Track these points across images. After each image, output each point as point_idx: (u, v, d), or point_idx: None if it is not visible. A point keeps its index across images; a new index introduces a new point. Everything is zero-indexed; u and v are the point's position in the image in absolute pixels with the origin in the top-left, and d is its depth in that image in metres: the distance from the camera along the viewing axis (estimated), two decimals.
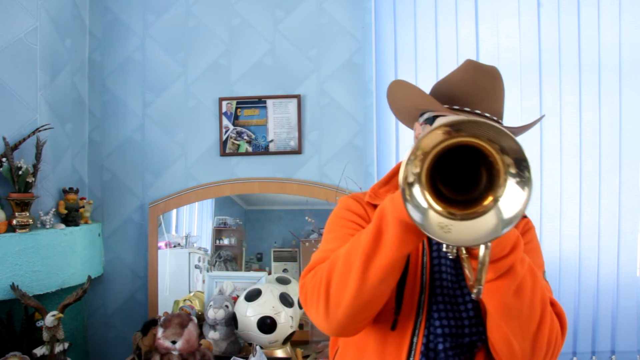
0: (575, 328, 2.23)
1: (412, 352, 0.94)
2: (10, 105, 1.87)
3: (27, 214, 1.83)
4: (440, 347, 0.93)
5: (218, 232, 2.32)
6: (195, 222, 2.35)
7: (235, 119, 2.31)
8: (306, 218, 2.22)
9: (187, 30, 2.35)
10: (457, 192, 0.75)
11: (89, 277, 1.99)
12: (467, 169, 0.74)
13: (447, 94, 1.05)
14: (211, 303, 1.97)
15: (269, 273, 2.27)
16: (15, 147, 1.83)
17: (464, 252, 0.82)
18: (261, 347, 1.80)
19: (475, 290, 0.75)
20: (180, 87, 2.35)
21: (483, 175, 0.74)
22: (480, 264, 0.74)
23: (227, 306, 1.97)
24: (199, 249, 2.33)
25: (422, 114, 1.11)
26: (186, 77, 2.35)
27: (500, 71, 1.10)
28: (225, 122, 2.32)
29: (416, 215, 0.70)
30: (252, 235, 2.32)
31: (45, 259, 1.85)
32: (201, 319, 2.07)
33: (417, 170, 0.70)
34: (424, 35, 2.29)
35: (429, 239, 1.01)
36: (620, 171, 2.23)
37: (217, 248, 2.32)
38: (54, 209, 1.98)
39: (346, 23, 2.31)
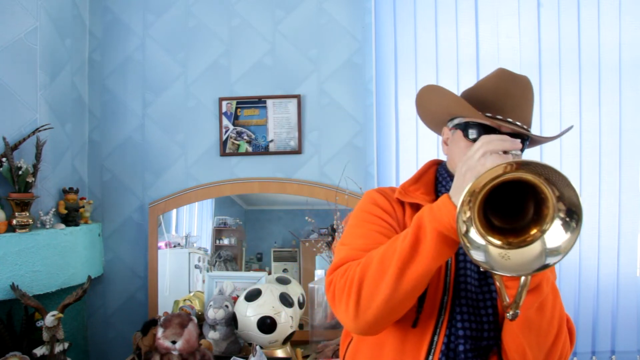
0: (576, 328, 2.22)
1: (432, 350, 0.95)
2: (10, 105, 1.87)
3: (27, 214, 1.83)
4: (461, 348, 0.95)
5: (218, 232, 2.32)
6: (195, 222, 2.35)
7: (235, 119, 2.31)
8: (306, 218, 2.22)
9: (187, 30, 2.35)
10: (505, 219, 0.78)
11: (89, 277, 1.99)
12: (515, 198, 0.77)
13: (480, 100, 1.05)
14: (211, 303, 1.97)
15: (269, 273, 2.27)
16: (15, 147, 1.83)
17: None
18: (261, 347, 1.80)
19: (511, 312, 0.80)
20: (180, 87, 2.35)
21: (531, 208, 0.76)
22: (521, 287, 0.78)
23: (227, 306, 1.97)
24: (199, 249, 2.33)
25: (451, 119, 1.11)
26: (186, 77, 2.35)
27: (530, 81, 1.11)
28: (225, 122, 2.32)
29: (479, 256, 0.74)
30: (252, 235, 2.32)
31: (45, 259, 1.85)
32: (201, 319, 2.07)
33: (468, 215, 0.73)
34: (424, 35, 2.29)
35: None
36: (620, 171, 2.22)
37: (217, 248, 2.32)
38: (54, 209, 1.99)
39: (346, 23, 2.31)
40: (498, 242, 0.75)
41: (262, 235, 2.32)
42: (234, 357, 1.83)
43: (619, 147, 2.23)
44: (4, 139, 1.82)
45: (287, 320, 1.90)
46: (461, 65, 2.27)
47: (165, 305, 2.23)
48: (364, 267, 0.90)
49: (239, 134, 2.31)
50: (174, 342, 1.69)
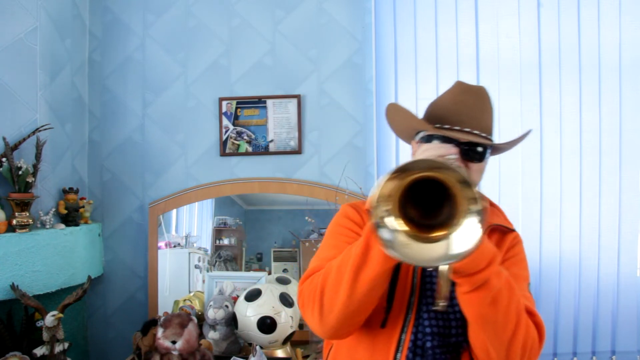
0: (576, 328, 2.23)
1: (400, 348, 1.01)
2: (10, 105, 1.87)
3: (27, 214, 1.83)
4: (429, 344, 1.00)
5: (218, 232, 2.32)
6: (195, 222, 2.35)
7: (235, 119, 2.31)
8: (306, 218, 2.22)
9: (187, 30, 2.35)
10: (427, 215, 0.83)
11: (89, 277, 1.99)
12: (438, 196, 0.82)
13: (439, 114, 1.14)
14: (211, 303, 1.97)
15: (269, 273, 2.27)
16: (15, 147, 1.83)
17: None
18: (261, 347, 1.80)
19: (439, 303, 0.86)
20: (180, 87, 2.35)
21: (447, 209, 0.81)
22: (442, 279, 0.85)
23: (227, 306, 1.97)
24: (199, 249, 2.33)
25: (417, 133, 1.19)
26: (186, 77, 2.35)
27: (486, 90, 1.19)
28: (225, 122, 2.32)
29: (387, 235, 0.80)
30: (252, 235, 2.32)
31: (45, 259, 1.85)
32: (201, 319, 2.07)
33: (388, 207, 0.80)
34: (424, 35, 2.29)
35: None
36: (620, 171, 2.22)
37: (217, 248, 2.32)
38: (54, 209, 1.99)
39: (346, 23, 2.31)
40: (406, 229, 0.80)
41: (262, 235, 2.32)
42: (234, 357, 1.83)
43: (619, 147, 2.23)
44: (4, 139, 1.82)
45: (287, 320, 1.90)
46: (461, 65, 2.27)
47: (165, 305, 2.23)
48: (324, 276, 0.98)
49: (239, 134, 2.31)
50: (174, 342, 1.69)
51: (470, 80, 2.29)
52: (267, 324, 1.87)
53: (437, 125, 1.12)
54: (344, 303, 0.92)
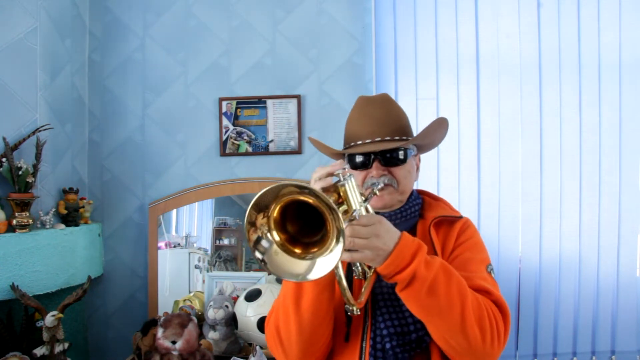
0: (575, 328, 2.23)
1: (362, 355, 1.03)
2: (10, 105, 1.87)
3: (27, 214, 1.83)
4: (388, 345, 1.02)
5: (218, 232, 2.32)
6: (195, 222, 2.35)
7: (235, 119, 2.31)
8: None
9: (187, 30, 2.35)
10: (305, 233, 0.85)
11: (89, 277, 1.99)
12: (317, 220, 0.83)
13: (351, 132, 1.20)
14: (211, 303, 1.97)
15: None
16: (15, 147, 1.83)
17: (369, 272, 0.98)
18: (261, 347, 1.80)
19: (352, 309, 0.90)
20: (180, 87, 2.35)
21: (320, 232, 0.82)
22: (340, 285, 0.89)
23: (227, 306, 1.97)
24: (199, 249, 2.33)
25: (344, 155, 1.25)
26: (186, 77, 2.35)
27: (389, 95, 1.24)
28: (225, 122, 2.32)
29: (265, 244, 0.83)
30: None
31: (45, 259, 1.85)
32: (201, 319, 2.07)
33: (265, 220, 0.82)
34: (424, 35, 2.29)
35: None
36: (620, 171, 2.23)
37: (217, 248, 2.32)
38: (54, 209, 1.98)
39: (346, 23, 2.31)
40: (278, 239, 0.83)
41: None
42: (234, 357, 1.83)
43: (619, 147, 2.23)
44: (4, 139, 1.82)
45: None
46: (461, 65, 2.27)
47: (165, 305, 2.23)
48: (275, 315, 1.05)
49: (239, 134, 2.31)
50: (174, 342, 1.69)
51: (470, 80, 2.31)
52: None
53: (352, 144, 1.18)
54: (297, 333, 0.98)
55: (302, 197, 0.78)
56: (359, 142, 1.16)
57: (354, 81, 2.30)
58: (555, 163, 2.24)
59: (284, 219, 0.83)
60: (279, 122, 2.30)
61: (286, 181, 0.78)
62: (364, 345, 1.03)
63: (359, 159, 1.15)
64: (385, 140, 1.14)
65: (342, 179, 0.89)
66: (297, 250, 0.83)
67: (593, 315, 2.23)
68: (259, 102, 2.31)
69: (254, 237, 0.82)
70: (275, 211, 0.81)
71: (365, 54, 2.30)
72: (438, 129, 1.20)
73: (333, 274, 0.93)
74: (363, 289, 0.97)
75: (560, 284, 2.23)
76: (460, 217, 1.18)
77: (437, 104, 2.27)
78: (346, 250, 0.86)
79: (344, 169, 0.90)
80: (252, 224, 0.81)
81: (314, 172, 0.93)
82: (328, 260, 0.78)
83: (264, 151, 2.30)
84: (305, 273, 0.80)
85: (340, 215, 0.75)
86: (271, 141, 2.30)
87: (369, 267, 1.00)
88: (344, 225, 0.75)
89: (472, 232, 1.16)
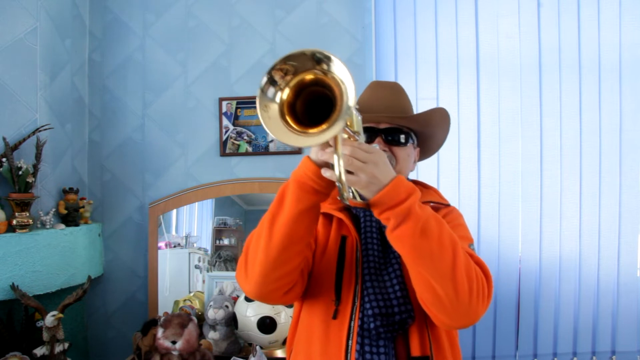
0: (575, 328, 2.23)
1: (351, 334, 1.05)
2: (10, 105, 1.87)
3: (27, 214, 1.83)
4: (372, 325, 1.03)
5: (218, 232, 2.32)
6: (195, 222, 2.35)
7: (235, 119, 2.31)
8: None
9: (187, 30, 2.35)
10: (309, 119, 0.86)
11: (89, 277, 1.99)
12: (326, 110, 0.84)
13: (359, 107, 1.20)
14: (211, 303, 1.97)
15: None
16: (15, 147, 1.83)
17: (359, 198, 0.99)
18: (261, 347, 1.80)
19: (344, 194, 0.88)
20: (180, 87, 2.35)
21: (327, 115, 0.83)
22: (338, 184, 0.87)
23: (227, 306, 1.97)
24: (199, 249, 2.33)
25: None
26: (186, 77, 2.35)
27: (400, 85, 1.29)
28: (225, 122, 2.32)
29: (270, 94, 0.85)
30: None
31: (45, 259, 1.85)
32: (201, 319, 2.07)
33: (288, 77, 0.85)
34: (424, 35, 2.29)
35: (359, 235, 1.13)
36: (620, 171, 2.23)
37: (217, 248, 2.32)
38: (54, 209, 1.99)
39: (346, 23, 2.31)
40: (284, 110, 0.85)
41: None
42: (234, 357, 1.83)
43: (619, 147, 2.23)
44: (4, 139, 1.82)
45: (287, 320, 1.90)
46: (461, 65, 2.27)
47: (165, 305, 2.23)
48: (251, 233, 1.04)
49: (239, 134, 2.31)
50: (174, 342, 1.69)
51: (470, 80, 2.31)
52: (267, 324, 1.87)
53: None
54: (264, 251, 0.96)
55: (325, 79, 0.82)
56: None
57: (355, 81, 2.29)
58: (555, 163, 2.24)
59: (299, 93, 0.86)
60: None
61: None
62: (352, 324, 1.05)
63: (365, 134, 1.17)
64: (389, 116, 1.19)
65: (354, 110, 0.90)
66: (290, 121, 0.85)
67: (593, 315, 2.23)
68: None
69: (266, 78, 0.84)
70: (296, 81, 0.84)
71: (365, 54, 2.30)
72: (440, 122, 1.24)
73: (319, 206, 0.96)
74: (347, 192, 0.95)
75: (560, 284, 2.23)
76: (448, 205, 1.21)
77: (437, 104, 2.27)
78: (344, 171, 0.86)
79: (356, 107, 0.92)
80: (279, 70, 0.84)
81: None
82: (317, 139, 0.80)
83: (264, 151, 2.30)
84: (296, 140, 0.83)
85: (350, 95, 0.78)
86: (271, 141, 2.30)
87: (362, 198, 0.99)
88: (350, 103, 0.78)
89: (456, 215, 1.19)
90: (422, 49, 2.29)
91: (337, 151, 0.85)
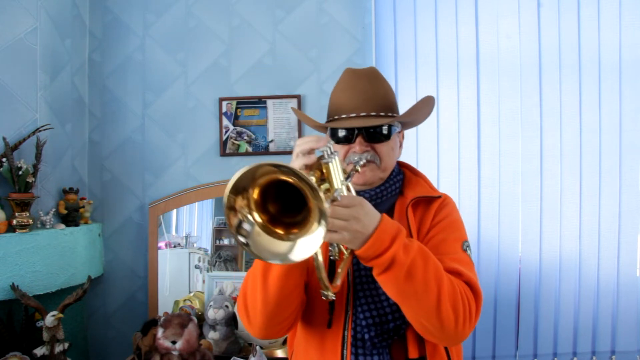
0: (575, 328, 2.23)
1: (345, 344, 1.05)
2: (10, 105, 1.87)
3: (27, 214, 1.83)
4: (367, 336, 1.03)
5: (218, 232, 2.32)
6: (195, 222, 2.35)
7: (235, 119, 2.31)
8: None
9: (187, 30, 2.35)
10: (286, 213, 0.82)
11: (89, 277, 1.99)
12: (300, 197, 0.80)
13: (335, 105, 1.16)
14: (211, 303, 1.97)
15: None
16: (15, 147, 1.83)
17: (346, 253, 0.97)
18: (261, 347, 1.80)
19: (324, 292, 0.89)
20: (180, 87, 2.35)
21: (303, 213, 0.79)
22: (317, 270, 0.87)
23: (227, 306, 1.97)
24: (199, 249, 2.33)
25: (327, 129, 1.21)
26: (186, 77, 2.35)
27: (377, 69, 1.19)
28: (225, 122, 2.32)
29: (247, 227, 0.81)
30: None
31: (45, 259, 1.85)
32: (201, 319, 2.07)
33: (246, 201, 0.80)
34: (424, 35, 2.29)
35: None
36: (620, 171, 2.22)
37: (217, 248, 2.32)
38: (54, 209, 1.98)
39: (346, 23, 2.31)
40: (260, 220, 0.81)
41: None
42: (234, 357, 1.83)
43: (619, 147, 2.23)
44: (4, 139, 1.82)
45: None
46: (461, 65, 2.27)
47: (165, 305, 2.23)
48: (245, 284, 1.06)
49: (239, 134, 2.31)
50: (174, 342, 1.69)
51: (470, 80, 2.31)
52: None
53: (335, 117, 1.15)
54: (262, 303, 0.99)
55: (282, 177, 0.75)
56: (343, 116, 1.13)
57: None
58: (555, 163, 2.24)
59: (264, 199, 0.81)
60: (279, 122, 2.30)
61: (263, 161, 0.74)
62: (346, 334, 1.05)
63: (342, 133, 1.12)
64: (370, 116, 1.11)
65: (326, 156, 0.85)
66: (279, 231, 0.81)
67: (593, 315, 2.23)
68: (259, 102, 2.31)
69: (234, 221, 0.79)
70: (254, 192, 0.79)
71: (365, 54, 2.30)
72: (423, 107, 1.18)
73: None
74: (339, 270, 0.95)
75: (560, 284, 2.23)
76: (439, 196, 1.17)
77: (437, 104, 2.27)
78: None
79: (329, 146, 0.87)
80: (232, 208, 0.78)
81: (296, 144, 0.90)
82: (310, 241, 0.76)
83: (264, 151, 2.30)
84: (287, 254, 0.78)
85: (322, 196, 0.72)
86: (271, 141, 2.30)
87: (346, 249, 0.99)
88: (326, 206, 0.73)
89: (449, 210, 1.15)
90: (422, 49, 2.29)
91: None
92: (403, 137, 1.26)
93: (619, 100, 2.22)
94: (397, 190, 1.18)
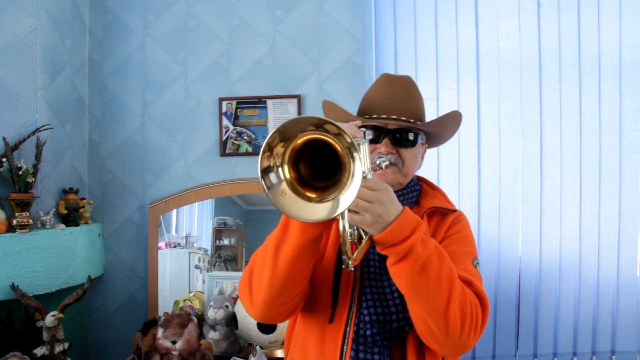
0: (575, 328, 2.23)
1: (346, 340, 1.04)
2: (10, 105, 1.87)
3: (27, 214, 1.83)
4: (369, 332, 1.03)
5: (218, 232, 2.32)
6: (195, 222, 2.35)
7: (235, 119, 2.31)
8: None
9: (187, 30, 2.35)
10: (318, 178, 0.84)
11: (89, 277, 1.99)
12: (332, 161, 0.82)
13: (368, 106, 1.19)
14: (211, 303, 1.97)
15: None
16: (15, 147, 1.83)
17: (364, 237, 0.96)
18: (261, 347, 1.80)
19: (346, 261, 0.87)
20: (180, 87, 2.35)
21: (339, 168, 0.81)
22: (342, 238, 0.86)
23: (227, 306, 1.97)
24: (199, 249, 2.33)
25: None
26: (186, 77, 2.35)
27: (412, 79, 1.23)
28: (225, 122, 2.32)
29: (273, 179, 0.82)
30: (252, 235, 2.32)
31: (45, 259, 1.85)
32: (201, 319, 2.07)
33: (281, 153, 0.81)
34: (424, 35, 2.29)
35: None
36: (620, 171, 2.22)
37: (217, 248, 2.32)
38: (54, 209, 1.99)
39: (346, 23, 2.31)
40: (288, 177, 0.82)
41: (262, 235, 2.28)
42: (234, 357, 1.83)
43: (619, 147, 2.22)
44: (4, 139, 1.82)
45: (286, 320, 1.90)
46: (461, 65, 2.27)
47: (165, 305, 2.23)
48: (253, 259, 1.04)
49: (239, 134, 2.31)
50: (174, 342, 1.69)
51: (470, 80, 2.31)
52: (267, 324, 1.87)
53: (366, 117, 1.16)
54: (269, 279, 0.96)
55: (324, 137, 0.77)
56: (374, 116, 1.15)
57: (354, 81, 2.30)
58: (555, 163, 2.24)
59: (299, 158, 0.82)
60: (279, 122, 2.28)
61: (313, 115, 0.77)
62: (347, 329, 1.04)
63: (369, 132, 1.14)
64: (400, 120, 1.13)
65: (360, 138, 0.87)
66: (307, 193, 0.82)
67: (593, 315, 2.23)
68: (259, 102, 2.31)
69: (265, 164, 0.80)
70: (295, 145, 0.80)
71: (365, 54, 2.30)
72: (452, 123, 1.21)
73: (322, 235, 0.95)
74: (356, 252, 0.94)
75: (560, 284, 2.23)
76: (455, 210, 1.18)
77: (437, 104, 2.27)
78: (348, 210, 0.84)
79: (364, 130, 0.89)
80: (271, 149, 0.80)
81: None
82: (335, 205, 0.78)
83: None
84: (317, 216, 0.79)
85: (361, 157, 0.74)
86: None
87: (365, 233, 0.98)
88: (365, 168, 0.75)
89: (463, 225, 1.17)
90: (422, 49, 2.29)
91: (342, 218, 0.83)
92: (425, 150, 1.27)
93: (619, 100, 2.22)
94: (413, 199, 1.20)
